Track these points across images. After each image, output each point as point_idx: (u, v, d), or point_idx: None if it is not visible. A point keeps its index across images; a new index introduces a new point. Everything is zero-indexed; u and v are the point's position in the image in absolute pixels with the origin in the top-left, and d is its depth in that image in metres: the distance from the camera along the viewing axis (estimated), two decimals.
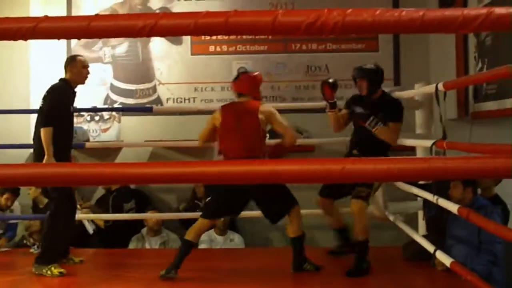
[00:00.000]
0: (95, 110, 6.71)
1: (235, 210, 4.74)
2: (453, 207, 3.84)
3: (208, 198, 4.74)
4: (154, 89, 7.11)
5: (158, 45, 7.09)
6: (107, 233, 6.45)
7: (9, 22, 1.97)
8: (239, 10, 1.93)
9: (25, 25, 1.95)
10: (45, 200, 6.09)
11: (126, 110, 6.98)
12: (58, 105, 4.66)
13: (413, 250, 4.86)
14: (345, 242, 5.03)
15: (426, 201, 4.74)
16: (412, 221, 5.36)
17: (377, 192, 4.95)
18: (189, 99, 7.07)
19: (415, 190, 4.79)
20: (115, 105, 7.08)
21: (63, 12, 7.00)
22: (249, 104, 4.65)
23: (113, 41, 7.10)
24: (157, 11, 6.90)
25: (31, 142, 4.82)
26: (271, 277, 4.57)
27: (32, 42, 6.75)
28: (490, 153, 2.91)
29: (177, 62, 7.10)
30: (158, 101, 7.07)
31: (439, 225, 4.67)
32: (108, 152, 6.88)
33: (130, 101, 7.10)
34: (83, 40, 6.98)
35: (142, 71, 7.13)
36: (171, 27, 1.93)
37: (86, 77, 4.86)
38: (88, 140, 6.70)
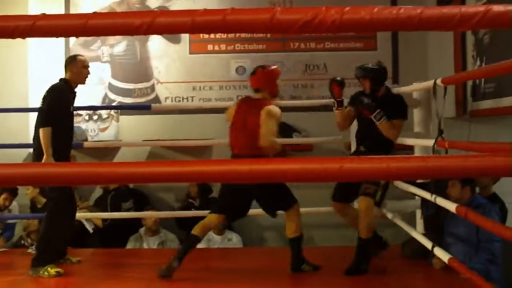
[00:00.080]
0: (93, 108, 6.71)
1: (239, 209, 4.67)
2: (451, 206, 3.84)
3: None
4: (152, 88, 7.11)
5: (156, 44, 7.09)
6: (105, 232, 6.45)
7: (7, 20, 1.96)
8: (237, 8, 1.93)
9: (23, 23, 1.95)
10: (43, 200, 6.08)
11: (124, 108, 6.98)
12: (57, 106, 4.65)
13: (411, 248, 4.86)
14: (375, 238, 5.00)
15: (424, 200, 4.74)
16: (410, 220, 5.36)
17: None
18: (187, 98, 7.06)
19: (413, 189, 4.79)
20: (113, 104, 7.07)
21: (61, 11, 7.00)
22: (259, 101, 4.58)
23: (112, 40, 7.10)
24: (155, 10, 6.89)
25: (30, 141, 4.81)
26: (269, 277, 4.56)
27: (30, 41, 6.76)
28: (489, 151, 2.91)
29: (175, 61, 7.10)
30: (156, 100, 7.06)
31: (437, 223, 4.68)
32: (106, 151, 6.87)
33: (128, 100, 7.09)
34: (81, 39, 6.98)
35: (140, 70, 7.13)
36: (169, 25, 1.93)
37: (86, 77, 4.85)
38: (86, 140, 6.70)
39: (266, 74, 4.66)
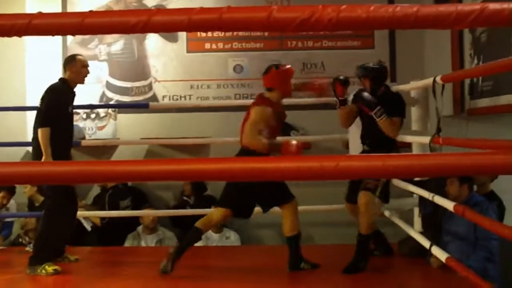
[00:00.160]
0: (91, 107, 6.70)
1: (244, 203, 4.64)
2: (449, 204, 3.85)
3: None
4: (150, 86, 7.10)
5: (153, 42, 7.09)
6: (103, 231, 6.45)
7: (3, 18, 1.96)
8: (233, 6, 1.93)
9: (19, 21, 1.95)
10: (41, 198, 6.08)
11: (122, 106, 6.98)
12: (55, 106, 4.64)
13: (409, 246, 4.86)
14: (380, 242, 5.01)
15: (422, 198, 4.75)
16: (408, 218, 5.37)
17: None
18: (185, 96, 7.06)
19: (411, 187, 4.79)
20: (111, 103, 7.07)
21: (58, 10, 6.98)
22: (260, 99, 4.61)
23: (109, 38, 7.09)
24: (152, 8, 6.89)
25: (28, 139, 4.81)
26: (267, 275, 4.56)
27: (27, 39, 6.75)
28: (490, 149, 2.92)
29: (172, 59, 7.10)
30: (154, 98, 7.06)
31: (435, 222, 4.68)
32: (104, 150, 6.86)
33: (126, 98, 7.09)
34: (79, 38, 6.98)
35: (138, 69, 7.12)
36: (165, 23, 1.93)
37: (85, 77, 4.84)
38: (84, 138, 6.69)
39: (279, 74, 4.60)
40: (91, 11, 2.02)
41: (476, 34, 5.37)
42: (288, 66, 4.69)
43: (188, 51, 7.09)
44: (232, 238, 6.33)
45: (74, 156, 6.47)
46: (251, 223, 6.63)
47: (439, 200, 4.06)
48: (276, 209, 4.74)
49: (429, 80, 4.29)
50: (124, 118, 6.96)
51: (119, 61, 7.13)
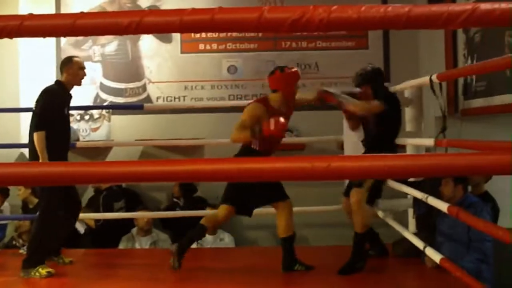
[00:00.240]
0: (84, 108, 6.68)
1: (246, 199, 4.62)
2: (443, 206, 3.84)
3: None
4: (144, 87, 7.09)
5: (147, 43, 7.08)
6: (98, 233, 6.43)
7: None
8: (225, 7, 1.93)
9: (10, 23, 1.95)
10: (35, 200, 6.07)
11: (116, 108, 6.97)
12: (50, 108, 4.61)
13: (403, 247, 4.86)
14: (375, 242, 5.00)
15: (416, 199, 4.74)
16: (402, 219, 5.37)
17: None
18: (179, 97, 7.05)
19: (405, 188, 4.79)
20: (105, 104, 7.06)
21: (52, 11, 6.97)
22: (257, 99, 4.66)
23: (103, 39, 7.08)
24: (146, 9, 6.88)
25: (21, 141, 4.80)
26: (261, 276, 4.56)
27: (21, 40, 6.73)
28: (489, 150, 2.92)
29: (166, 60, 7.09)
30: (148, 99, 7.05)
31: (429, 222, 4.68)
32: (98, 151, 6.85)
33: (120, 100, 7.08)
34: (72, 39, 6.97)
35: (132, 70, 7.12)
36: (157, 24, 1.93)
37: (82, 79, 4.83)
38: (78, 140, 6.68)
39: (284, 76, 4.59)
40: (82, 13, 2.01)
41: (470, 34, 5.38)
42: (294, 69, 4.67)
43: (182, 52, 7.08)
44: (226, 239, 6.32)
45: (69, 158, 6.47)
46: (245, 224, 6.64)
47: (433, 201, 4.06)
48: (270, 210, 4.73)
49: (424, 79, 4.28)
50: (118, 120, 6.94)
51: (113, 62, 7.11)
